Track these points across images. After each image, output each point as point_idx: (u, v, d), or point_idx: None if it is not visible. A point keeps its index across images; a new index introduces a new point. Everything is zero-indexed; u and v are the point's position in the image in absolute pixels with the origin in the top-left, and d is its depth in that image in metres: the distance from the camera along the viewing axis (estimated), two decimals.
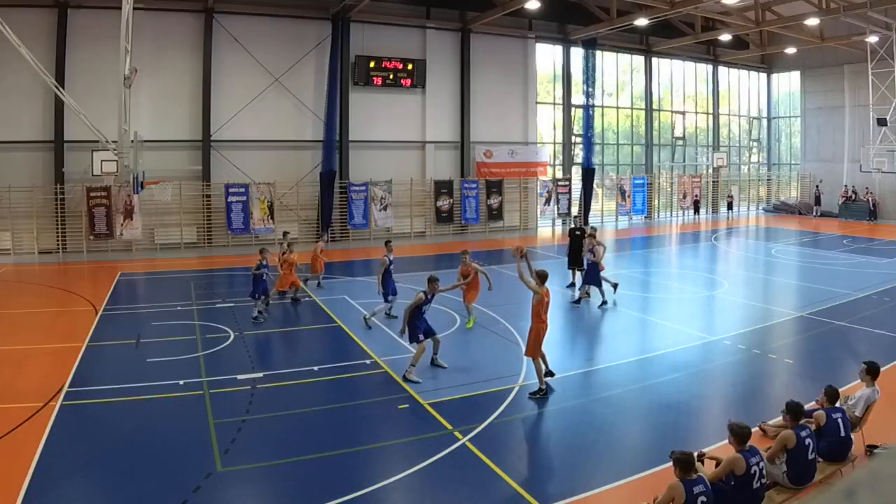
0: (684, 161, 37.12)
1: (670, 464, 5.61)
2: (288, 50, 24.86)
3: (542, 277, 9.54)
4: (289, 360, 11.25)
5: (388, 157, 27.08)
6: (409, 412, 8.74)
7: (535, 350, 9.39)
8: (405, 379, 9.71)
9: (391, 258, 13.52)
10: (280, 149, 25.19)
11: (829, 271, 19.26)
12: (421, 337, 10.01)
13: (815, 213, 34.78)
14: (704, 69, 36.80)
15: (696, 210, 34.70)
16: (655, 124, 35.18)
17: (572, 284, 16.55)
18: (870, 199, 32.98)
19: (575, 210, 31.34)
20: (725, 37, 30.62)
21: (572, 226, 17.38)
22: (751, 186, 39.72)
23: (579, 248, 16.25)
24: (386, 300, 13.45)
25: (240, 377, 10.04)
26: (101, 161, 20.58)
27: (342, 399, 9.30)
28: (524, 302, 15.07)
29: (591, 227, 17.12)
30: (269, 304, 14.20)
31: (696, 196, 35.05)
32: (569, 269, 16.92)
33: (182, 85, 23.50)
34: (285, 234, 17.26)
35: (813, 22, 27.20)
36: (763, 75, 39.29)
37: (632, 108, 34.95)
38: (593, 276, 14.90)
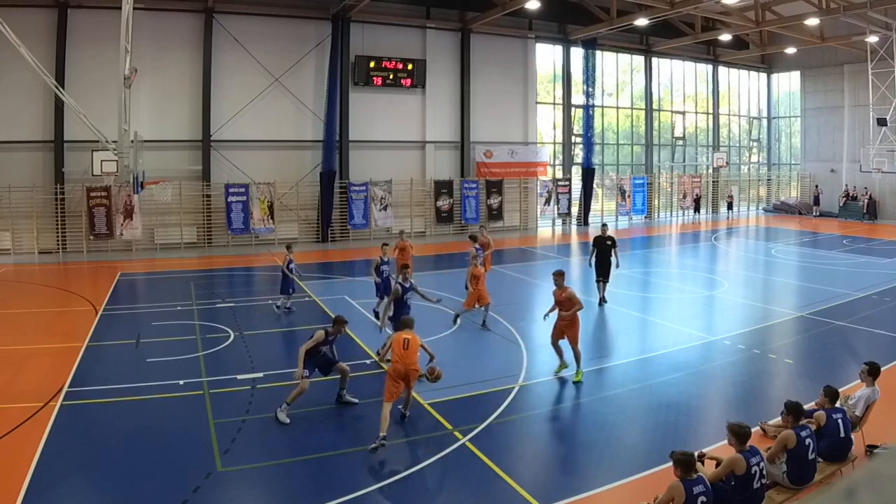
0: (684, 161, 37.12)
1: (670, 464, 5.61)
2: (288, 50, 24.87)
3: (407, 325, 8.53)
4: (289, 360, 11.22)
5: (388, 157, 27.08)
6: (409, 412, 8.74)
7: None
8: (275, 418, 8.45)
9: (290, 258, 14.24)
10: (280, 149, 25.19)
11: (829, 271, 19.26)
12: (305, 373, 8.60)
13: (814, 213, 34.78)
14: (704, 69, 36.80)
15: (697, 209, 34.71)
16: (655, 124, 35.18)
17: (602, 300, 14.84)
18: (864, 199, 32.85)
19: (575, 210, 31.38)
20: (725, 37, 30.63)
21: (599, 234, 15.23)
22: (751, 186, 39.73)
23: (608, 259, 14.73)
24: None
25: (240, 377, 10.05)
26: (101, 161, 20.61)
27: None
28: (525, 301, 15.12)
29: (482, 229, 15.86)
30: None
31: (697, 195, 35.15)
32: (597, 282, 15.01)
33: (182, 85, 23.50)
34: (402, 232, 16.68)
35: (813, 22, 27.21)
36: (763, 75, 39.29)
37: (632, 108, 34.96)
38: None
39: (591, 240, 25.42)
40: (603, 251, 14.85)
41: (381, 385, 9.68)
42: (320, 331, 8.81)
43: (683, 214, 35.04)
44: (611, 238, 15.02)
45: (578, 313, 9.93)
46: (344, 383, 9.12)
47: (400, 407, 8.48)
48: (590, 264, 15.22)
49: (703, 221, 33.71)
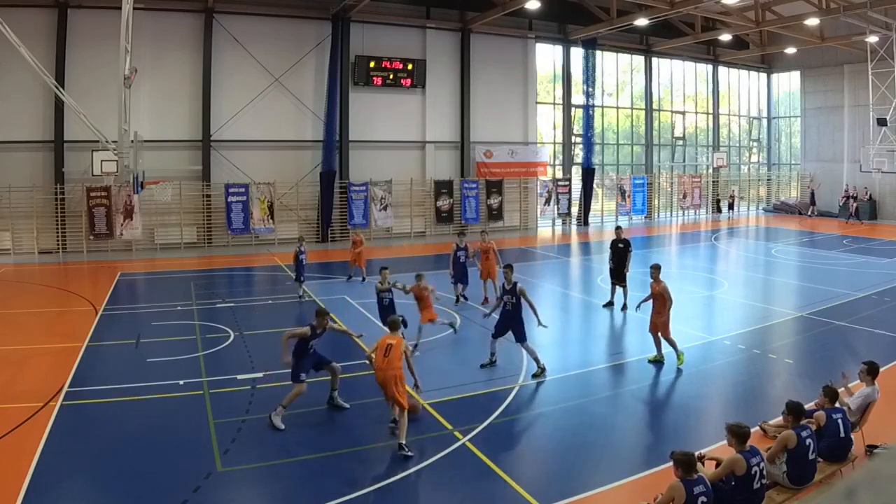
0: (684, 161, 37.12)
1: (670, 464, 5.61)
2: (288, 50, 24.86)
3: (393, 327, 8.20)
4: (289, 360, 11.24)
5: (388, 157, 27.07)
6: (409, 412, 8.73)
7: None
8: (270, 422, 8.18)
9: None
10: (280, 149, 25.18)
11: (829, 271, 19.26)
12: (303, 376, 8.50)
13: (809, 213, 34.63)
14: (704, 69, 36.79)
15: (719, 208, 34.84)
16: (655, 124, 35.17)
17: (611, 303, 14.67)
18: (850, 202, 32.06)
19: (575, 210, 31.36)
20: (725, 37, 30.62)
21: (615, 237, 14.91)
22: (751, 186, 39.72)
23: (623, 263, 14.31)
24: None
25: (240, 377, 10.05)
26: (101, 161, 20.61)
27: (342, 399, 9.28)
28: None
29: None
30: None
31: (719, 195, 35.58)
32: (612, 283, 14.76)
33: (182, 85, 23.50)
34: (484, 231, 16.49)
35: (813, 22, 27.20)
36: (763, 75, 39.28)
37: (632, 108, 34.95)
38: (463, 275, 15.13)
39: (590, 240, 25.47)
40: (615, 253, 14.54)
41: (378, 386, 9.68)
42: (306, 327, 8.59)
43: (683, 214, 35.07)
44: (623, 241, 14.60)
45: (654, 305, 10.63)
46: (335, 384, 8.92)
47: (391, 424, 8.06)
48: (609, 268, 14.92)
49: (704, 221, 33.74)
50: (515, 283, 10.22)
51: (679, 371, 10.37)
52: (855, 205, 32.01)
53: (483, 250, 15.06)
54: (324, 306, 9.35)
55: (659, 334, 10.62)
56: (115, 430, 8.20)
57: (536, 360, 10.12)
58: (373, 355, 8.10)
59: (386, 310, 11.36)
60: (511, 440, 8.04)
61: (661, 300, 10.54)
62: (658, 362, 10.68)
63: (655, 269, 10.92)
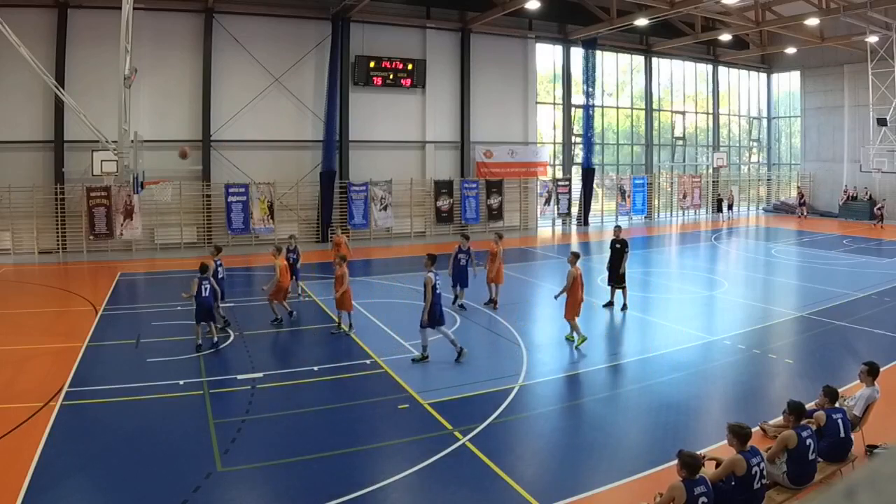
0: (684, 161, 37.11)
1: (670, 464, 5.62)
2: (288, 50, 24.86)
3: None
4: (289, 360, 11.26)
5: (388, 157, 27.07)
6: (409, 412, 8.74)
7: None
8: None
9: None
10: (280, 149, 25.18)
11: (829, 271, 19.26)
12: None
13: (799, 214, 34.62)
14: (704, 69, 36.78)
15: (720, 208, 34.91)
16: (655, 124, 35.16)
17: (611, 303, 14.60)
18: (878, 211, 31.15)
19: (575, 210, 31.35)
20: (725, 37, 30.62)
21: (613, 237, 14.95)
22: (751, 186, 39.72)
23: (620, 263, 14.26)
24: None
25: (240, 377, 10.05)
26: (101, 161, 20.55)
27: (342, 399, 9.30)
28: (525, 302, 15.09)
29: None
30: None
31: (720, 195, 35.56)
32: (608, 285, 14.81)
33: (182, 85, 23.48)
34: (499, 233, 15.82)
35: (813, 22, 27.20)
36: (763, 75, 39.28)
37: (632, 108, 34.94)
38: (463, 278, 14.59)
39: (590, 240, 25.49)
40: (614, 255, 14.46)
41: (378, 385, 9.76)
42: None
43: (683, 214, 35.08)
44: (621, 241, 14.52)
45: (574, 293, 11.62)
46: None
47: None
48: (607, 268, 14.96)
49: (705, 221, 33.74)
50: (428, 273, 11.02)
51: (679, 371, 10.38)
52: (880, 209, 30.90)
53: (492, 253, 14.76)
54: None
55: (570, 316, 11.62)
56: (115, 430, 8.20)
57: (424, 346, 10.78)
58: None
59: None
60: (511, 440, 8.04)
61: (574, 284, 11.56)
62: (569, 340, 11.84)
63: (574, 255, 11.95)
